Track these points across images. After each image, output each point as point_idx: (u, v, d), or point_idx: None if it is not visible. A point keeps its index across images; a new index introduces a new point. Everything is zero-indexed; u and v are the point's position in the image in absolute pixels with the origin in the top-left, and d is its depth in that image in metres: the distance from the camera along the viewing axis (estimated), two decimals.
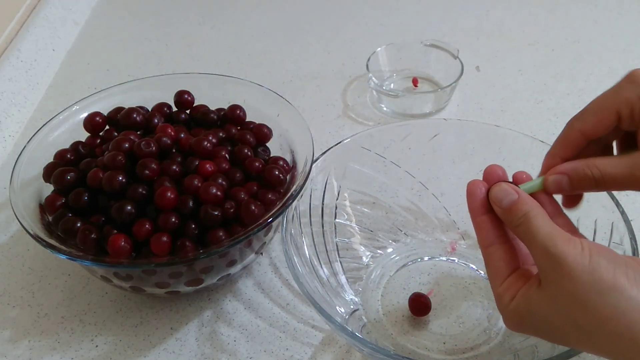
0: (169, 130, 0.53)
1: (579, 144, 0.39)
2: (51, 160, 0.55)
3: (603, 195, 0.47)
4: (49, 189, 0.53)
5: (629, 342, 0.32)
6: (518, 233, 0.37)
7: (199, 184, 0.49)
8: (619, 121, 0.37)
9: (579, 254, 0.34)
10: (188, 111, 0.60)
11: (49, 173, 0.53)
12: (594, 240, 0.47)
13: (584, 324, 0.33)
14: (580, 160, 0.39)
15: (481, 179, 0.41)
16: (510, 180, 0.42)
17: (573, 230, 0.41)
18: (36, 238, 0.47)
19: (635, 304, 0.32)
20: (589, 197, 0.45)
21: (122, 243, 0.47)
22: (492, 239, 0.39)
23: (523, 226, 0.36)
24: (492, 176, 0.41)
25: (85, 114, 0.58)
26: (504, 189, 0.38)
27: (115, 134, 0.56)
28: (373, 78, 0.74)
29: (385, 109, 0.76)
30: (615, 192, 0.48)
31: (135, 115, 0.56)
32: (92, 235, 0.48)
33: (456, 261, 0.56)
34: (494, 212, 0.40)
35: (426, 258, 0.57)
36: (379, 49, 0.79)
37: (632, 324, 0.32)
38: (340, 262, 0.54)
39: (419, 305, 0.52)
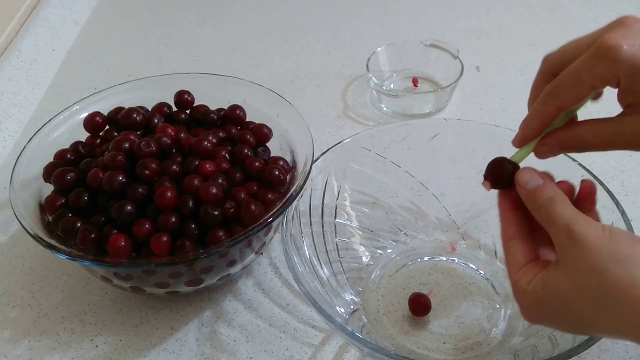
0: (169, 130, 0.53)
1: (554, 116, 0.40)
2: (51, 160, 0.55)
3: (603, 195, 0.47)
4: (49, 189, 0.53)
5: None
6: (540, 214, 0.38)
7: (199, 184, 0.49)
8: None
9: (600, 233, 0.35)
10: (188, 111, 0.60)
11: (49, 173, 0.53)
12: None
13: (603, 295, 0.34)
14: (564, 131, 0.40)
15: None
16: None
17: (596, 219, 0.41)
18: (36, 238, 0.47)
19: None
20: None
21: (122, 243, 0.47)
22: (514, 233, 0.40)
23: (546, 207, 0.37)
24: None
25: (85, 114, 0.58)
26: (532, 173, 0.39)
27: (115, 134, 0.56)
28: (373, 78, 0.74)
29: (385, 109, 0.76)
30: (615, 192, 0.48)
31: (135, 115, 0.56)
32: (92, 235, 0.48)
33: (456, 261, 0.56)
34: (519, 210, 0.40)
35: (426, 258, 0.57)
36: (379, 49, 0.79)
37: None
38: (340, 262, 0.54)
39: (419, 305, 0.52)
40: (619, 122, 0.38)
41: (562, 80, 0.38)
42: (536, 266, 0.38)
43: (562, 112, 0.39)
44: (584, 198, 0.40)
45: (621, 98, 0.38)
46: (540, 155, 0.41)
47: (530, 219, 0.40)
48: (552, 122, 0.40)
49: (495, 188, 0.42)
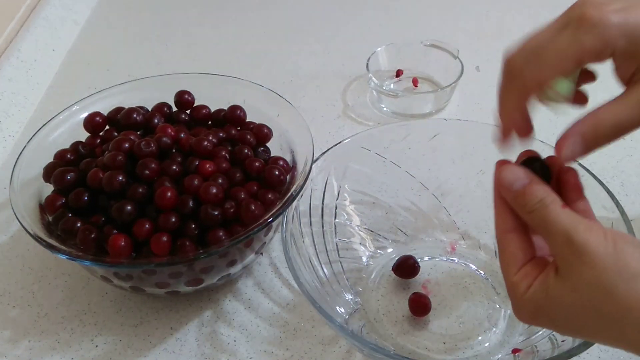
0: (169, 130, 0.53)
1: (532, 95, 0.38)
2: (51, 160, 0.55)
3: (603, 195, 0.47)
4: (49, 189, 0.53)
5: None
6: (532, 219, 0.35)
7: (199, 184, 0.49)
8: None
9: (602, 242, 0.32)
10: (188, 111, 0.60)
11: (49, 173, 0.53)
12: None
13: (609, 312, 0.32)
14: (584, 122, 0.36)
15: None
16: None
17: (591, 216, 0.38)
18: (36, 238, 0.47)
19: None
20: (589, 197, 0.45)
21: (122, 243, 0.47)
22: (512, 225, 0.37)
23: (539, 212, 0.35)
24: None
25: (85, 114, 0.58)
26: (516, 172, 0.36)
27: (115, 134, 0.56)
28: (373, 78, 0.74)
29: (385, 109, 0.76)
30: (615, 192, 0.48)
31: (135, 115, 0.56)
32: (92, 235, 0.48)
33: (456, 261, 0.56)
34: None
35: (426, 258, 0.57)
36: (379, 49, 0.79)
37: None
38: (340, 262, 0.54)
39: (419, 305, 0.52)
40: (635, 93, 0.34)
41: (545, 55, 0.35)
42: (534, 269, 0.36)
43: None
44: (571, 189, 0.38)
45: (621, 70, 0.35)
46: (566, 157, 0.36)
47: None
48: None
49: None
